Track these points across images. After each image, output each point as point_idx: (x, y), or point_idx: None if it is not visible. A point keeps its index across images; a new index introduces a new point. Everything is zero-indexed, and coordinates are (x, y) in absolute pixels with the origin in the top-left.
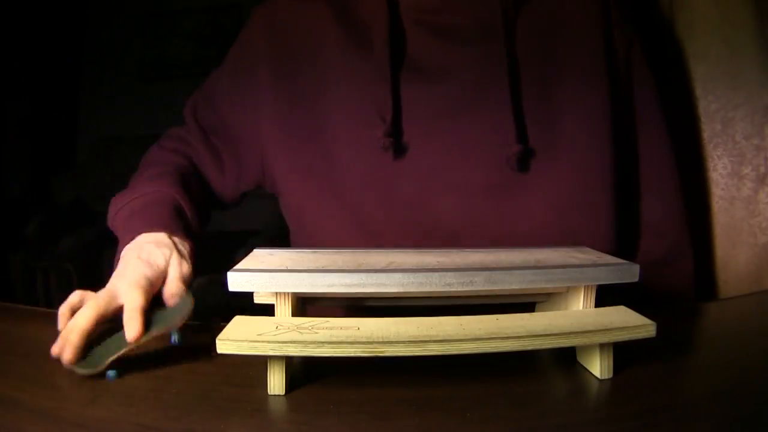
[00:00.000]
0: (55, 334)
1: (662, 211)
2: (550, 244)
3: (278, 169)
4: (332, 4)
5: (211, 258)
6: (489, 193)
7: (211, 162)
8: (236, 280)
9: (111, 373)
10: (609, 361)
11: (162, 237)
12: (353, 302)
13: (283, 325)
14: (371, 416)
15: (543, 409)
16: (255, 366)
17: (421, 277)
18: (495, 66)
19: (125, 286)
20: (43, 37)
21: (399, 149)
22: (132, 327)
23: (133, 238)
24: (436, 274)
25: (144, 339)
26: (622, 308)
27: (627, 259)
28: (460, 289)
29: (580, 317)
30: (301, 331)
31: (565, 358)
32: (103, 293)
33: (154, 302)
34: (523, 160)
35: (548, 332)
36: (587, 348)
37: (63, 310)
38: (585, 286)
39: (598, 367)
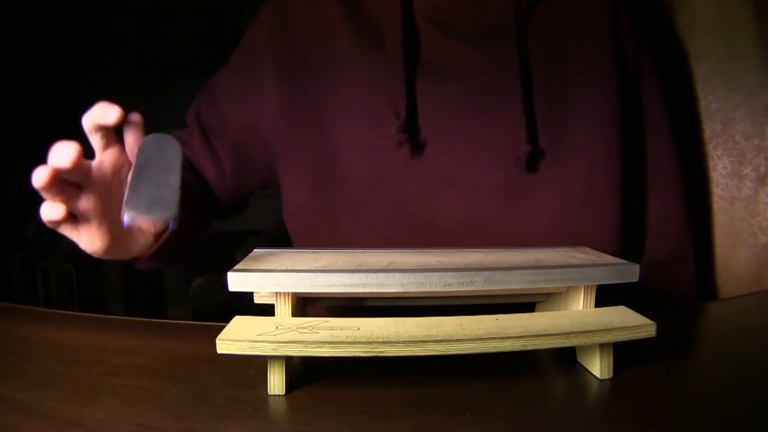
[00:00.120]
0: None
1: (665, 213)
2: (556, 244)
3: (282, 167)
4: (340, 2)
5: (211, 258)
6: (497, 193)
7: (210, 163)
8: (236, 280)
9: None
10: (609, 361)
11: None
12: (353, 302)
13: (283, 325)
14: (371, 416)
15: (543, 409)
16: (255, 366)
17: (421, 277)
18: (507, 67)
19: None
20: (43, 37)
21: (414, 145)
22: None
23: None
24: (436, 274)
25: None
26: (622, 308)
27: (629, 260)
28: (460, 289)
29: (580, 317)
30: (301, 331)
31: (565, 358)
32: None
33: None
34: (533, 161)
35: (548, 332)
36: (587, 348)
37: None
38: (585, 286)
39: (598, 367)
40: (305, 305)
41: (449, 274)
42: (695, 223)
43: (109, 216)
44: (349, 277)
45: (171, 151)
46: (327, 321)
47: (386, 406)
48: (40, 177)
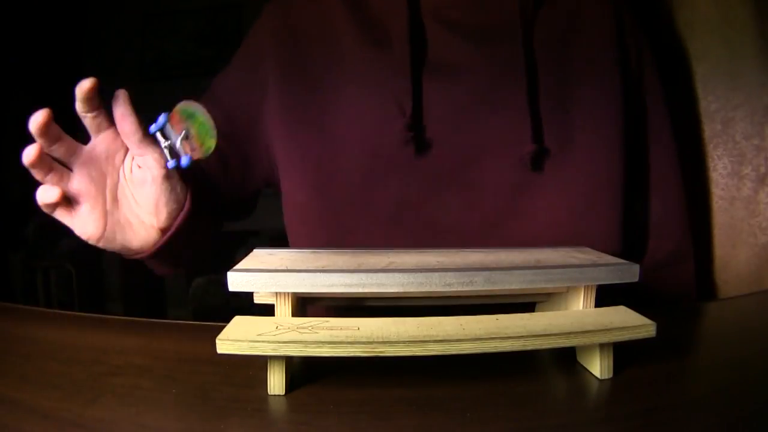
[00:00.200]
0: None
1: (667, 213)
2: (560, 244)
3: (283, 165)
4: (345, 0)
5: (211, 258)
6: (501, 192)
7: (216, 162)
8: (236, 280)
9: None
10: (609, 361)
11: None
12: (353, 302)
13: (283, 325)
14: (371, 416)
15: (543, 409)
16: (255, 366)
17: (421, 277)
18: (513, 66)
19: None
20: (43, 37)
21: (419, 143)
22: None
23: None
24: (436, 274)
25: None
26: (622, 308)
27: (631, 260)
28: (460, 289)
29: (580, 317)
30: (301, 331)
31: (565, 358)
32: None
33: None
34: (538, 160)
35: (548, 332)
36: (587, 348)
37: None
38: (585, 286)
39: (598, 367)
40: (305, 305)
41: (449, 274)
42: (695, 223)
43: (102, 200)
44: (349, 277)
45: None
46: (327, 321)
47: (386, 406)
48: (28, 153)
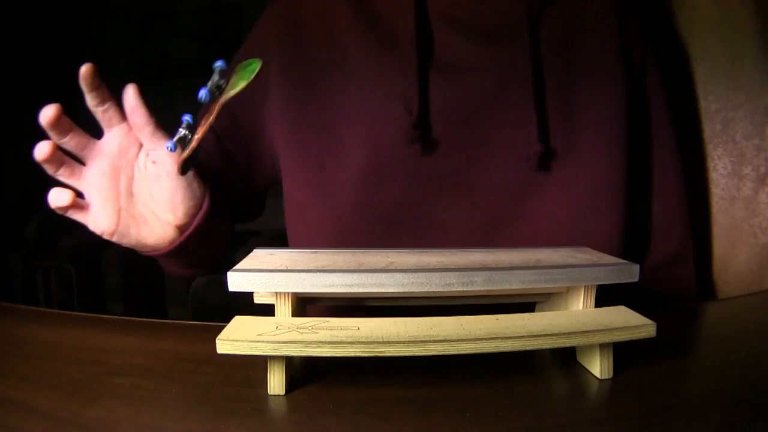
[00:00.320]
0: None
1: (670, 214)
2: (562, 245)
3: (285, 163)
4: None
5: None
6: (506, 193)
7: (222, 162)
8: (236, 280)
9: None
10: (609, 361)
11: None
12: (353, 302)
13: (283, 325)
14: (371, 416)
15: (543, 409)
16: (255, 366)
17: (421, 277)
18: (519, 66)
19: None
20: (43, 37)
21: (426, 142)
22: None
23: None
24: (436, 274)
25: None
26: (622, 308)
27: (633, 261)
28: (460, 289)
29: (580, 317)
30: (301, 331)
31: (565, 358)
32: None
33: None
34: (544, 160)
35: (548, 332)
36: (587, 348)
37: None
38: (585, 287)
39: (598, 367)
40: (305, 305)
41: (449, 274)
42: (695, 223)
43: (115, 195)
44: (349, 277)
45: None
46: (327, 321)
47: (386, 406)
48: (41, 150)
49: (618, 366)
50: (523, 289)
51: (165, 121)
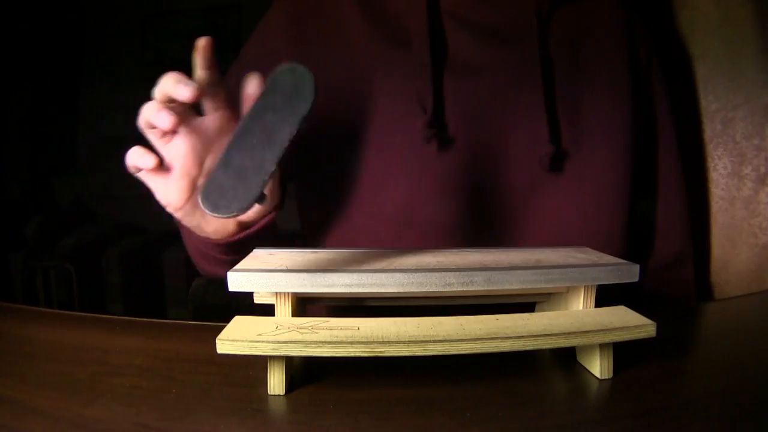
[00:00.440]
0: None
1: (671, 216)
2: (566, 245)
3: (297, 162)
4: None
5: None
6: (516, 193)
7: None
8: (236, 280)
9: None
10: (609, 361)
11: None
12: (353, 302)
13: (283, 325)
14: (371, 416)
15: (543, 409)
16: (255, 366)
17: (421, 277)
18: (529, 68)
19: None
20: (43, 37)
21: (441, 141)
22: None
23: None
24: (436, 274)
25: None
26: (622, 308)
27: (635, 261)
28: (459, 289)
29: (580, 317)
30: (301, 331)
31: (565, 358)
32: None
33: None
34: (555, 161)
35: (548, 332)
36: (587, 348)
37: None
38: (585, 287)
39: (598, 367)
40: (305, 305)
41: (449, 274)
42: (695, 223)
43: (195, 173)
44: (349, 277)
45: (299, 101)
46: (327, 321)
47: (386, 406)
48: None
49: (618, 366)
50: (523, 289)
51: None
